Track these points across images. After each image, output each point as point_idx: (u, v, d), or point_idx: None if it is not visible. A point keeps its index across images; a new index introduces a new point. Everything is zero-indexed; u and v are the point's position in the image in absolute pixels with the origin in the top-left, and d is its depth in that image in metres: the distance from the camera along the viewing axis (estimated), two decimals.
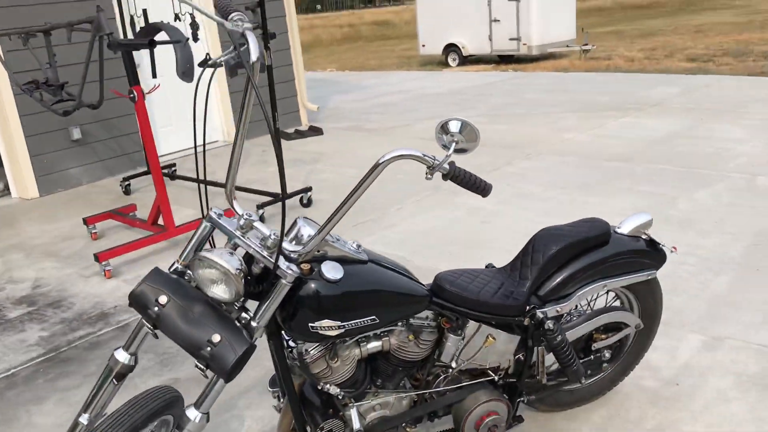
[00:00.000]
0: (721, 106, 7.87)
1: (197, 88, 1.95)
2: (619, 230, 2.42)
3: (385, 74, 14.37)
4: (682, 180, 5.21)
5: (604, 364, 2.55)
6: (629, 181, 5.30)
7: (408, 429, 2.25)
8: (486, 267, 2.44)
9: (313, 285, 1.87)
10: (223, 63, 1.82)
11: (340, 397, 2.08)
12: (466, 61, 17.17)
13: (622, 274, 2.37)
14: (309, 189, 5.33)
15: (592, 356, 2.49)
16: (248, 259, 1.91)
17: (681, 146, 6.21)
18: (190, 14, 5.05)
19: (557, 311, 2.27)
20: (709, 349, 2.96)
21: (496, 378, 2.30)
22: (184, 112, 7.34)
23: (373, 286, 1.96)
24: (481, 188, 1.83)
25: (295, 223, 1.97)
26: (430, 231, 4.60)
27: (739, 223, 4.29)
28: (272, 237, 1.84)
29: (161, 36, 4.50)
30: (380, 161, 1.77)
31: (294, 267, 1.84)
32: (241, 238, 1.88)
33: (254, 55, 1.71)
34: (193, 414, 1.88)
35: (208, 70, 1.88)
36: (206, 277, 1.82)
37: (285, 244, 1.88)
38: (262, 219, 4.91)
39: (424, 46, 17.88)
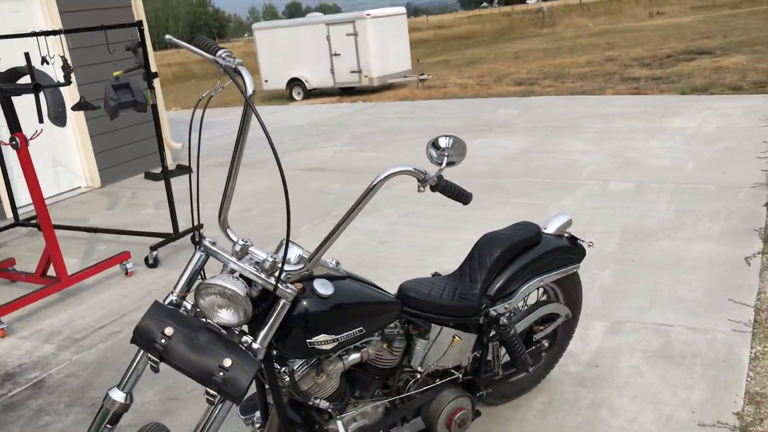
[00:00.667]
0: (558, 122, 8.71)
1: (193, 116, 2.00)
2: (546, 231, 2.73)
3: (232, 110, 14.29)
4: (547, 190, 5.75)
5: (543, 353, 2.83)
6: (501, 194, 5.76)
7: None
8: (432, 275, 2.64)
9: (307, 302, 1.97)
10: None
11: (329, 410, 2.18)
12: (311, 94, 17.50)
13: (554, 270, 2.67)
14: (201, 226, 5.27)
15: (533, 347, 2.77)
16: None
17: (536, 160, 6.82)
18: (62, 57, 4.87)
19: (506, 308, 2.51)
20: (614, 333, 3.36)
21: (459, 376, 2.50)
22: (43, 160, 6.96)
23: (357, 299, 2.09)
24: (465, 197, 2.04)
25: (281, 245, 2.06)
26: (334, 255, 4.73)
27: (606, 223, 4.83)
28: (269, 260, 1.93)
29: (25, 81, 4.36)
30: (377, 179, 1.91)
31: (291, 287, 1.93)
32: (238, 263, 1.94)
33: (250, 88, 1.80)
34: None
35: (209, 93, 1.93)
36: (214, 303, 1.87)
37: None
38: (156, 261, 4.82)
39: (266, 81, 18.00)
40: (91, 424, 1.97)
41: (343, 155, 8.07)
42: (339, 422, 2.20)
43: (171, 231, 5.16)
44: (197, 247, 2.02)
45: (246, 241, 1.98)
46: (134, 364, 1.94)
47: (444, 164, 2.00)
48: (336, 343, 2.03)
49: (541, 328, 2.77)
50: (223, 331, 1.92)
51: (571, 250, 2.72)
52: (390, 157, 7.73)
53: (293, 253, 2.04)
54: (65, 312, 4.28)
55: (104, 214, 6.42)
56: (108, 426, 1.96)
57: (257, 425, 2.32)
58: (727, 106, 8.73)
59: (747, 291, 3.63)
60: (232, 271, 1.95)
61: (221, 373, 1.83)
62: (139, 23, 4.72)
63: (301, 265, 1.97)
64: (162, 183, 7.31)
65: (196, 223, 1.77)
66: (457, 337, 2.41)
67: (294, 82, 17.58)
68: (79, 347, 3.79)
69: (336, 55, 16.94)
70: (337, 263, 2.14)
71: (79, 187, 7.43)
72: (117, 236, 5.64)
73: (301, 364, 2.09)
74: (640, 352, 3.16)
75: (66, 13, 6.97)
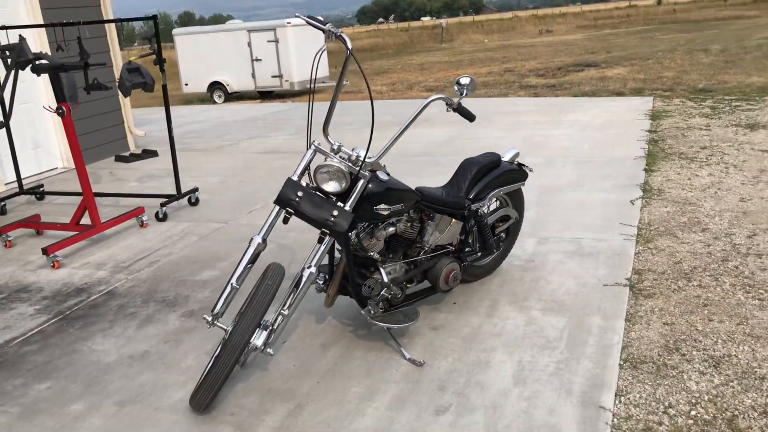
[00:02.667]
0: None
1: (314, 67, 3.13)
2: (504, 159, 4.02)
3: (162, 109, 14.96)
4: None
5: (501, 243, 4.12)
6: (440, 167, 7.07)
7: (408, 285, 3.57)
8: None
9: (373, 184, 3.15)
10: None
11: (378, 261, 3.35)
12: (231, 98, 18.36)
13: (508, 185, 3.96)
14: (196, 189, 6.28)
15: (496, 237, 4.04)
16: None
17: (462, 144, 8.20)
18: (79, 44, 5.75)
19: (480, 206, 3.78)
20: (542, 243, 4.69)
21: (452, 249, 3.74)
22: (25, 142, 7.67)
23: (400, 186, 3.29)
24: (472, 117, 3.29)
25: (353, 149, 3.21)
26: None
27: (526, 183, 6.21)
28: (354, 155, 3.09)
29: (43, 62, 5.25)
30: (425, 102, 3.14)
31: (365, 173, 3.11)
32: (335, 156, 3.10)
33: (350, 44, 2.97)
34: (308, 272, 3.04)
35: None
36: (324, 178, 3.02)
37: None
38: (165, 216, 5.80)
39: (186, 84, 18.70)
40: (239, 262, 3.06)
41: (294, 142, 9.19)
42: (382, 270, 3.38)
43: (172, 193, 6.12)
44: (308, 145, 3.15)
45: (340, 144, 3.13)
46: (271, 218, 3.06)
47: (465, 93, 3.25)
48: (388, 212, 3.22)
49: (500, 225, 4.06)
50: (331, 197, 3.07)
51: (519, 172, 4.02)
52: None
53: (361, 152, 3.21)
54: (102, 252, 5.20)
55: (93, 188, 7.23)
56: (249, 264, 3.05)
57: (322, 283, 3.45)
58: (613, 105, 10.48)
59: (631, 218, 5.08)
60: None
61: (331, 219, 2.99)
62: (155, 17, 5.69)
63: (372, 160, 3.16)
64: (133, 164, 8.20)
65: (326, 127, 2.84)
66: (454, 220, 3.64)
67: (215, 86, 18.40)
68: (129, 271, 4.76)
69: (257, 60, 17.91)
70: (384, 165, 3.33)
71: (56, 168, 8.16)
72: (117, 200, 6.52)
73: (364, 228, 3.26)
74: (562, 252, 4.51)
75: (47, 9, 7.74)
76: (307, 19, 3.11)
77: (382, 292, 3.33)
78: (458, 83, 3.33)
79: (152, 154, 8.69)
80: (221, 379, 2.82)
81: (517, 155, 4.09)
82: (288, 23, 17.40)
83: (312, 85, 3.18)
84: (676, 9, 49.71)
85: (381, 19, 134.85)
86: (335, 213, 3.00)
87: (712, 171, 6.31)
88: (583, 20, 49.12)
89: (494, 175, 3.87)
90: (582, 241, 4.68)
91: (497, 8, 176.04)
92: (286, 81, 17.64)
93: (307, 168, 3.15)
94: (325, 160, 3.10)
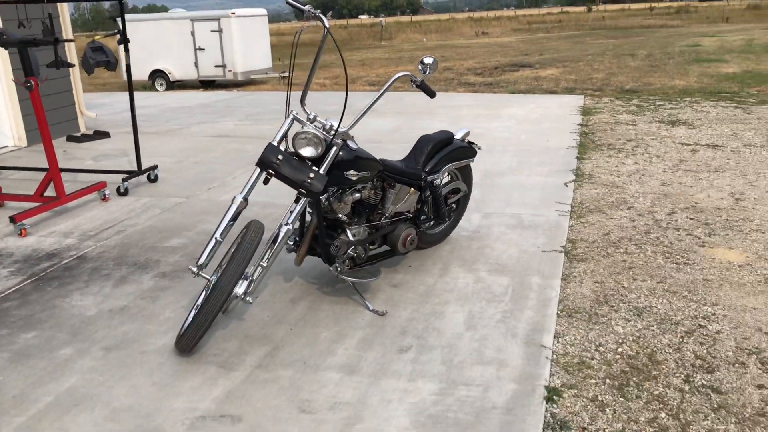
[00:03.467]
0: (418, 110, 10.60)
1: (293, 45, 3.46)
2: (456, 137, 4.43)
3: (108, 95, 14.90)
4: None
5: (452, 213, 4.54)
6: (387, 153, 7.45)
7: (370, 247, 3.94)
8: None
9: (344, 151, 3.51)
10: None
11: (345, 223, 3.71)
12: (173, 86, 18.31)
13: (459, 160, 4.38)
14: (155, 167, 6.49)
15: (448, 207, 4.46)
16: None
17: (408, 132, 8.62)
18: (43, 21, 5.88)
19: (434, 178, 4.18)
20: (486, 218, 5.14)
21: (410, 216, 4.13)
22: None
23: (367, 155, 3.66)
24: (432, 93, 3.69)
25: (326, 119, 3.55)
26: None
27: None
28: (327, 125, 3.45)
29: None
30: (392, 78, 3.52)
31: (338, 141, 3.47)
32: (310, 125, 3.44)
33: (327, 22, 3.31)
34: (285, 228, 3.38)
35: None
36: (302, 143, 3.36)
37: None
38: (126, 190, 6.00)
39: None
40: (220, 220, 3.37)
41: (245, 127, 9.43)
42: (348, 231, 3.74)
43: (131, 170, 6.31)
44: (287, 115, 3.48)
45: (316, 114, 3.48)
46: (252, 179, 3.37)
47: (428, 72, 3.64)
48: (357, 177, 3.59)
49: (452, 196, 4.48)
50: (307, 162, 3.41)
51: (469, 149, 4.45)
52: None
53: (334, 122, 3.55)
54: (68, 222, 5.38)
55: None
56: (231, 222, 3.36)
57: (293, 244, 3.79)
58: (547, 102, 11.11)
59: (566, 198, 5.59)
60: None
61: (308, 181, 3.33)
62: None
63: (344, 130, 3.51)
64: (84, 144, 8.29)
65: (303, 98, 3.17)
66: (412, 190, 4.03)
67: (157, 74, 18.30)
68: (97, 239, 4.97)
69: (200, 49, 17.91)
70: (353, 137, 3.69)
71: (7, 146, 8.17)
72: (74, 176, 6.66)
73: (334, 192, 3.62)
74: (504, 225, 4.97)
75: None
76: (291, 2, 3.44)
77: (349, 251, 3.70)
78: (422, 62, 3.73)
79: (104, 135, 8.78)
80: (208, 322, 3.13)
81: (467, 134, 4.51)
82: (232, 13, 17.48)
83: (293, 58, 3.52)
84: (605, 16, 51.66)
85: None
86: (311, 175, 3.34)
87: (638, 160, 6.91)
88: (517, 24, 50.45)
89: (447, 151, 4.28)
90: (522, 216, 5.15)
91: (434, 9, 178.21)
92: (230, 71, 17.71)
93: (285, 135, 3.48)
94: (302, 128, 3.44)
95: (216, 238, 3.33)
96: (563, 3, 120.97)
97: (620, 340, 3.31)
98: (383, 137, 8.40)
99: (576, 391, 2.91)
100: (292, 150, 3.43)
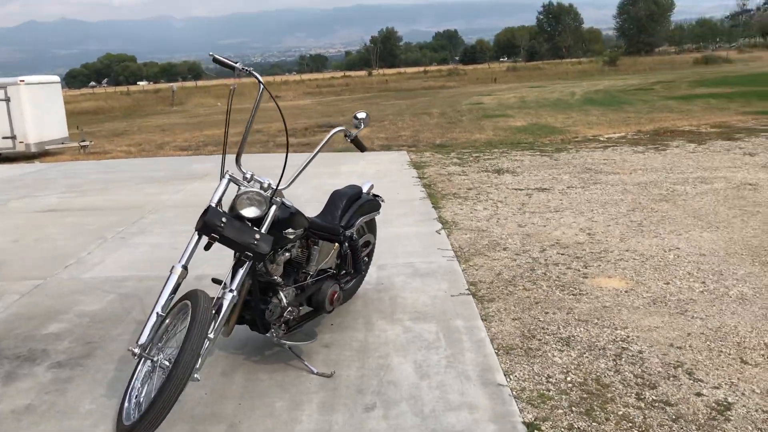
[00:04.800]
0: (260, 171, 10.46)
1: (229, 103, 3.30)
2: (363, 190, 4.47)
3: None
4: None
5: (365, 266, 4.53)
6: None
7: (299, 309, 3.82)
8: None
9: (281, 209, 3.41)
10: (247, 71, 3.26)
11: (278, 285, 3.56)
12: None
13: (369, 213, 4.42)
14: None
15: (363, 259, 4.45)
16: None
17: None
18: None
19: (351, 232, 4.18)
20: (382, 270, 5.20)
21: (333, 272, 4.07)
22: None
23: (299, 212, 3.58)
24: (364, 148, 3.71)
25: (260, 178, 3.43)
26: (145, 259, 5.75)
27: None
28: (265, 184, 3.33)
29: None
30: (330, 133, 3.53)
31: (277, 199, 3.36)
32: (247, 185, 3.30)
33: (262, 78, 3.24)
34: (230, 295, 3.19)
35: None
36: (246, 204, 3.20)
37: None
38: None
39: None
40: (161, 290, 3.09)
41: (73, 200, 8.67)
42: (281, 293, 3.60)
43: None
44: (222, 175, 3.31)
45: (252, 173, 3.35)
46: (191, 245, 3.15)
47: (362, 127, 3.66)
48: (294, 236, 3.49)
49: (364, 249, 4.49)
50: (247, 223, 3.25)
51: (376, 203, 4.51)
52: (116, 197, 8.62)
53: (266, 181, 3.44)
54: None
55: None
56: (171, 295, 3.10)
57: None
58: (376, 159, 11.55)
59: (444, 244, 5.84)
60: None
61: (255, 242, 3.18)
62: None
63: (283, 188, 3.41)
64: None
65: (238, 156, 3.00)
66: (335, 245, 3.99)
67: None
68: None
69: None
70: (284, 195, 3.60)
71: None
72: None
73: (268, 254, 3.48)
74: (402, 275, 5.06)
75: None
76: (218, 57, 3.32)
77: (285, 314, 3.56)
78: (356, 117, 3.75)
79: None
80: (168, 408, 2.83)
81: (372, 187, 4.58)
82: (21, 81, 16.16)
83: (228, 116, 3.37)
84: (387, 80, 54.95)
85: (93, 83, 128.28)
86: (257, 237, 3.20)
87: (486, 206, 7.41)
88: (306, 88, 51.93)
89: (359, 205, 4.31)
90: (414, 264, 5.29)
91: (216, 75, 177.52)
92: (21, 142, 16.25)
93: (222, 196, 3.30)
94: (239, 189, 3.29)
95: (157, 312, 3.05)
96: (342, 68, 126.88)
97: (564, 370, 3.51)
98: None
99: (551, 422, 3.03)
100: (234, 211, 3.27)
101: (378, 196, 4.60)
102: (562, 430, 2.97)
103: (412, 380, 3.43)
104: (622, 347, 3.75)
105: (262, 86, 3.27)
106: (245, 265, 3.25)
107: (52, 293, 4.97)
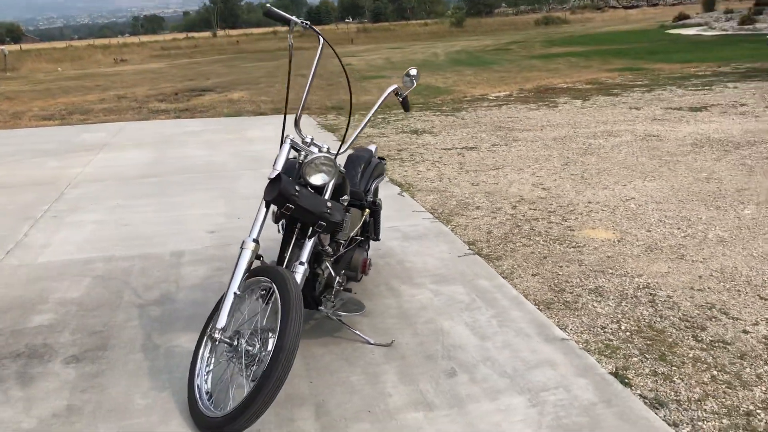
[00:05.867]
0: (164, 139, 9.77)
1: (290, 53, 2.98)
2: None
3: None
4: (214, 179, 7.00)
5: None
6: (153, 187, 6.79)
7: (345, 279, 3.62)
8: None
9: (338, 176, 3.20)
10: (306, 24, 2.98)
11: (330, 254, 3.35)
12: None
13: (379, 177, 4.25)
14: None
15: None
16: None
17: (174, 164, 7.92)
18: None
19: (372, 198, 4.01)
20: None
21: (361, 239, 3.89)
22: None
23: (347, 180, 3.37)
24: (409, 108, 3.53)
25: (321, 143, 3.19)
26: (98, 238, 5.19)
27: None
28: (324, 148, 3.09)
29: None
30: (387, 91, 3.30)
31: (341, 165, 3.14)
32: (308, 148, 3.05)
33: (323, 35, 2.98)
34: (301, 268, 2.96)
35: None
36: (314, 170, 2.96)
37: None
38: None
39: None
40: (234, 269, 2.80)
41: None
42: (326, 262, 3.39)
43: None
44: (283, 140, 3.03)
45: (312, 137, 3.09)
46: (261, 217, 2.89)
47: (413, 85, 3.47)
48: (348, 203, 3.29)
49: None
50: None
51: (383, 166, 4.34)
52: (15, 173, 7.72)
53: (326, 145, 3.20)
54: None
55: None
56: (246, 272, 2.82)
57: None
58: (280, 123, 11.13)
59: (415, 206, 5.77)
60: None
61: (327, 212, 2.96)
62: None
63: (343, 152, 3.19)
64: None
65: (297, 120, 2.69)
66: (367, 211, 3.80)
67: None
68: None
69: None
70: None
71: None
72: None
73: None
74: (395, 239, 4.94)
75: None
76: (273, 10, 3.01)
77: (335, 285, 3.37)
78: (407, 74, 3.54)
79: None
80: (271, 401, 2.60)
81: (377, 150, 4.40)
82: None
83: (289, 75, 3.07)
84: (239, 41, 53.11)
85: None
86: (329, 205, 2.98)
87: (428, 167, 7.40)
88: (150, 51, 49.10)
89: (372, 168, 4.13)
90: (400, 228, 5.19)
91: (38, 37, 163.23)
92: None
93: (285, 160, 3.04)
94: (302, 153, 3.04)
95: (235, 293, 2.78)
96: (181, 29, 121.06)
97: (614, 320, 3.60)
98: (148, 171, 7.58)
99: (634, 371, 3.10)
100: (302, 179, 3.02)
101: (383, 158, 4.44)
102: (648, 376, 3.05)
103: (474, 342, 3.37)
104: (650, 293, 3.90)
105: (322, 41, 3.00)
106: (313, 237, 3.02)
107: (12, 282, 4.37)
